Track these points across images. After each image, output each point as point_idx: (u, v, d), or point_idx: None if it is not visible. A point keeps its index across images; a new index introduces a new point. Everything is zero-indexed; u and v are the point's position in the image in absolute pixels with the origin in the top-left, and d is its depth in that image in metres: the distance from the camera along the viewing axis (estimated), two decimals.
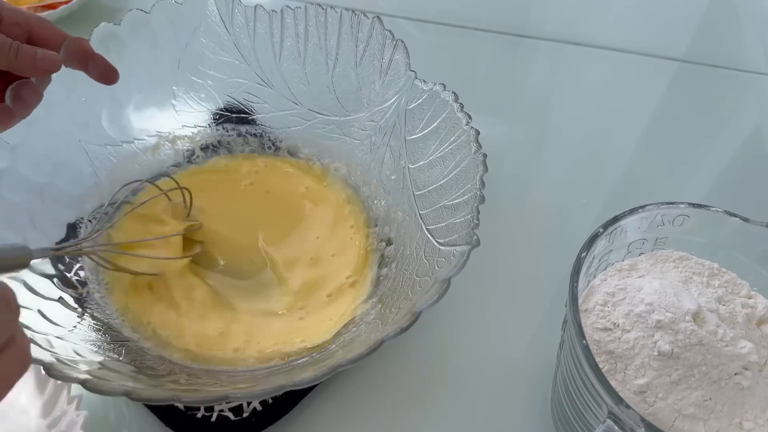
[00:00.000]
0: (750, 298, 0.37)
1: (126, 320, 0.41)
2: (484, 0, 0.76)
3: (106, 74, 0.38)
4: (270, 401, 0.39)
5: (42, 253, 0.34)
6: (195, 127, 0.52)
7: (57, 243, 0.42)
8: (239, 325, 0.42)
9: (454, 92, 0.45)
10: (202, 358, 0.40)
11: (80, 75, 0.46)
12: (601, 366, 0.33)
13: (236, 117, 0.53)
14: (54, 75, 0.44)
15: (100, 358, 0.36)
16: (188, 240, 0.46)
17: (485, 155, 0.41)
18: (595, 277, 0.38)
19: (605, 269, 0.38)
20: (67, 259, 0.42)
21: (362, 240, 0.47)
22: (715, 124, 0.64)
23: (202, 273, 0.45)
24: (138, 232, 0.45)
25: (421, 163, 0.46)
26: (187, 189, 0.47)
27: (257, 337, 0.42)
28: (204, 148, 0.52)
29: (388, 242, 0.46)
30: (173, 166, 0.51)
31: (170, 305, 0.43)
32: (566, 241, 0.42)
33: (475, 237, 0.37)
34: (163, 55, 0.50)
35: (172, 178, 0.47)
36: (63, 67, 0.37)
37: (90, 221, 0.46)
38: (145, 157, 0.50)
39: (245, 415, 0.39)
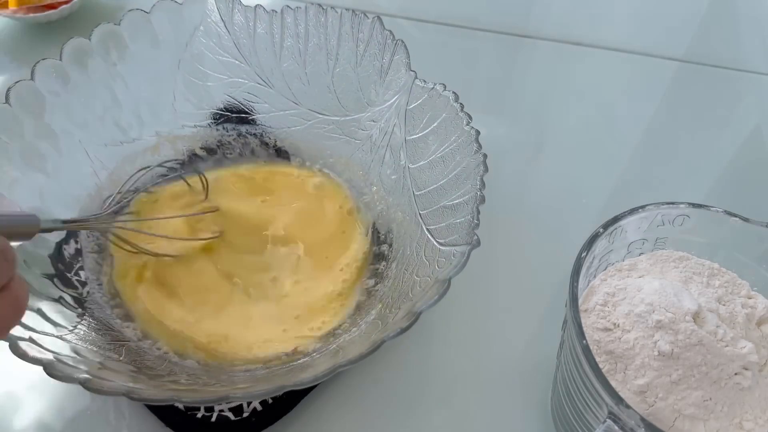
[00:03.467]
0: (750, 298, 0.37)
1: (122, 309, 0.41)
2: (485, 0, 0.76)
3: None
4: (270, 401, 0.39)
5: (52, 225, 0.34)
6: (195, 127, 0.52)
7: (58, 242, 0.42)
8: (242, 321, 0.43)
9: (454, 92, 0.45)
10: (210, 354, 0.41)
11: (80, 75, 0.46)
12: (601, 366, 0.33)
13: (236, 117, 0.53)
14: (54, 75, 0.45)
15: (100, 358, 0.35)
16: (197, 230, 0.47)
17: (485, 155, 0.41)
18: (595, 277, 0.38)
19: (605, 269, 0.38)
20: (68, 259, 0.42)
21: (362, 240, 0.47)
22: (715, 124, 0.64)
23: (210, 267, 0.45)
24: (154, 214, 0.46)
25: (422, 163, 0.46)
26: (203, 174, 0.48)
27: (259, 331, 0.42)
28: (204, 149, 0.52)
29: (389, 243, 0.47)
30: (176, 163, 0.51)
31: (172, 299, 0.43)
32: (566, 241, 0.42)
33: (476, 237, 0.37)
34: (163, 55, 0.50)
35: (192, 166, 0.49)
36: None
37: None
38: (145, 157, 0.50)
39: (245, 415, 0.39)
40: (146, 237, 0.44)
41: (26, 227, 0.31)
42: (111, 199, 0.43)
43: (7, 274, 0.26)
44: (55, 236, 0.43)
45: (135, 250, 0.42)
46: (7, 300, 0.26)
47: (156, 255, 0.43)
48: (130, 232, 0.43)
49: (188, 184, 0.48)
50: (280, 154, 0.53)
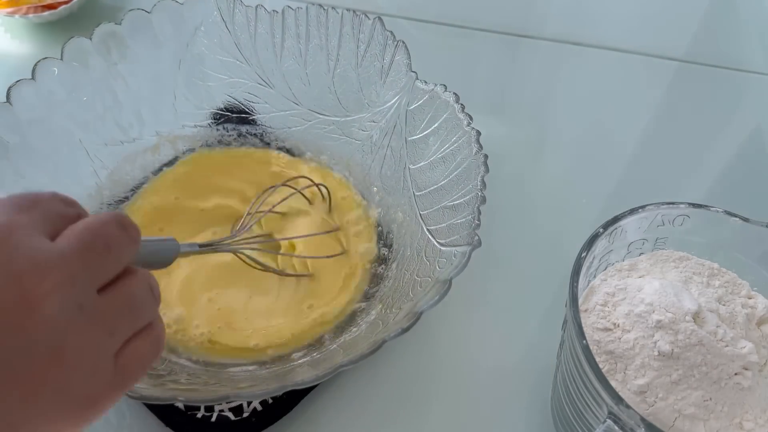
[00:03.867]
0: (750, 298, 0.37)
1: None
2: (485, 0, 0.76)
3: None
4: (270, 401, 0.39)
5: (189, 249, 0.32)
6: (195, 127, 0.52)
7: None
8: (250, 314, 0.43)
9: (455, 93, 0.45)
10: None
11: (81, 75, 0.46)
12: (601, 366, 0.33)
13: (236, 117, 0.53)
14: (54, 75, 0.45)
15: None
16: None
17: (486, 156, 0.41)
18: (595, 277, 0.38)
19: (605, 269, 0.38)
20: None
21: (362, 241, 0.47)
22: (715, 124, 0.64)
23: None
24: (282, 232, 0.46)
25: (422, 163, 0.46)
26: (324, 185, 0.48)
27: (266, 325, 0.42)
28: (204, 148, 0.52)
29: (389, 243, 0.47)
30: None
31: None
32: (566, 241, 0.42)
33: (476, 238, 0.37)
34: (164, 55, 0.50)
35: (307, 177, 0.48)
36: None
37: None
38: (145, 157, 0.50)
39: (245, 415, 0.39)
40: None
41: (166, 254, 0.29)
42: (242, 220, 0.43)
43: (153, 312, 0.26)
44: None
45: (263, 269, 0.43)
46: (149, 338, 0.25)
47: (282, 274, 0.44)
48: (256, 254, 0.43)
49: (307, 199, 0.48)
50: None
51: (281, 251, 0.46)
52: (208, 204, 0.48)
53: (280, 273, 0.44)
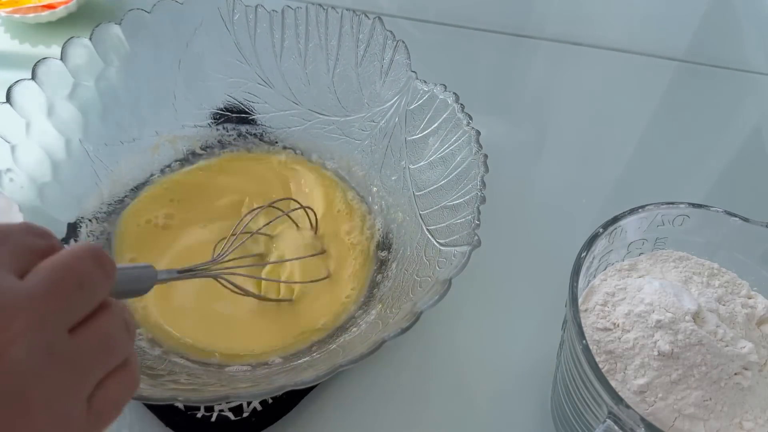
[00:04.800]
0: (750, 298, 0.37)
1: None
2: (485, 0, 0.76)
3: None
4: (270, 401, 0.39)
5: (167, 276, 0.31)
6: (195, 127, 0.52)
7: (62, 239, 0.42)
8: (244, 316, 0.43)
9: (454, 93, 0.45)
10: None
11: (81, 75, 0.46)
12: (601, 366, 0.33)
13: (236, 117, 0.53)
14: (54, 75, 0.45)
15: None
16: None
17: (486, 156, 0.41)
18: (595, 277, 0.38)
19: (605, 269, 0.38)
20: None
21: (362, 240, 0.47)
22: (715, 124, 0.64)
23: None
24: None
25: (422, 163, 0.46)
26: (311, 208, 0.47)
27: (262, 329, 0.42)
28: (204, 148, 0.52)
29: (389, 243, 0.47)
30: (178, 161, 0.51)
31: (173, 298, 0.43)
32: (566, 241, 0.42)
33: (476, 237, 0.37)
34: (164, 55, 0.50)
35: (294, 199, 0.47)
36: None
37: (90, 221, 0.46)
38: (145, 157, 0.50)
39: (245, 415, 0.39)
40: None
41: (143, 284, 0.28)
42: (224, 243, 0.41)
43: (128, 348, 0.24)
44: (55, 236, 0.43)
45: (244, 293, 0.41)
46: (123, 378, 0.24)
47: (264, 299, 0.43)
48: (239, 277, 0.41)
49: (294, 222, 0.47)
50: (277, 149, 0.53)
51: (263, 275, 0.44)
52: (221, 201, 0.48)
53: (261, 298, 0.43)
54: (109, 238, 0.46)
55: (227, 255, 0.40)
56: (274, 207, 0.46)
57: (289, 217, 0.46)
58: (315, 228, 0.47)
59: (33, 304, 0.21)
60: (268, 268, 0.45)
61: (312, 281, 0.44)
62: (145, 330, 0.41)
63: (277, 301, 0.43)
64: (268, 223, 0.45)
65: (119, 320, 0.24)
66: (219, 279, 0.38)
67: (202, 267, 0.36)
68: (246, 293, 0.41)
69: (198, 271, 0.36)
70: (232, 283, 0.39)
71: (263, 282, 0.44)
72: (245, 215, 0.45)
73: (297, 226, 0.47)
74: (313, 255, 0.45)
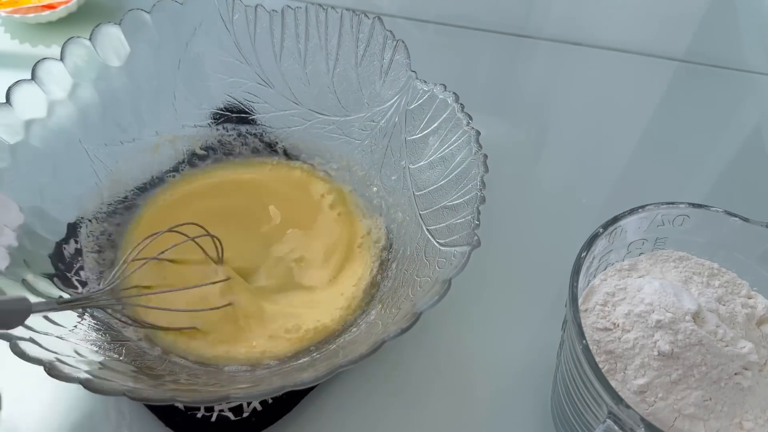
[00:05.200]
0: (750, 298, 0.37)
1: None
2: (485, 0, 0.76)
3: None
4: (270, 401, 0.39)
5: (45, 307, 0.30)
6: (195, 127, 0.52)
7: (58, 242, 0.42)
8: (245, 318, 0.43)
9: (454, 92, 0.45)
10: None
11: (81, 75, 0.46)
12: (601, 366, 0.33)
13: (236, 117, 0.53)
14: (54, 75, 0.45)
15: (100, 358, 0.36)
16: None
17: (486, 156, 0.41)
18: (595, 277, 0.38)
19: (605, 269, 0.38)
20: (68, 259, 0.42)
21: (361, 240, 0.47)
22: (715, 124, 0.64)
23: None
24: (158, 281, 0.42)
25: (422, 163, 0.46)
26: (216, 237, 0.43)
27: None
28: (204, 148, 0.52)
29: (389, 243, 0.46)
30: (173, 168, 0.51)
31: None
32: (566, 241, 0.42)
33: (476, 237, 0.37)
34: (164, 55, 0.50)
35: (198, 225, 0.43)
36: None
37: (90, 221, 0.46)
38: (145, 157, 0.50)
39: (245, 415, 0.39)
40: (153, 310, 0.40)
41: (11, 319, 0.27)
42: (115, 269, 0.38)
43: None
44: (55, 236, 0.43)
45: (141, 325, 0.39)
46: None
47: (162, 329, 0.40)
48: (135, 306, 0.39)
49: (201, 248, 0.43)
50: (285, 153, 0.53)
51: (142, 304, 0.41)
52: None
53: (156, 327, 0.40)
54: (111, 238, 0.46)
55: (114, 282, 0.37)
56: (176, 232, 0.42)
57: (195, 242, 0.43)
58: (221, 257, 0.44)
59: None
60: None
61: (211, 309, 0.41)
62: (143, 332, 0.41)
63: (177, 330, 0.41)
64: (165, 250, 0.42)
65: None
66: (107, 309, 0.36)
67: (86, 296, 0.34)
68: (144, 325, 0.39)
69: (81, 301, 0.34)
70: (126, 315, 0.37)
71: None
72: (142, 240, 0.42)
73: (205, 253, 0.44)
74: (218, 282, 0.43)
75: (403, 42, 0.48)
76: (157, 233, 0.42)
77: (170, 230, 0.42)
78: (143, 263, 0.41)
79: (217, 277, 0.43)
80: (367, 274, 0.45)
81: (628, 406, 0.29)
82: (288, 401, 0.40)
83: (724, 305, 0.35)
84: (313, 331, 0.42)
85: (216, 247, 0.44)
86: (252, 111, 0.53)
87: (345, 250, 0.47)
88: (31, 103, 0.43)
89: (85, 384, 0.30)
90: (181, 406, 0.39)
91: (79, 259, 0.43)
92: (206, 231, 0.43)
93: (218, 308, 0.42)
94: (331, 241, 0.48)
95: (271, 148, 0.53)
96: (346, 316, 0.43)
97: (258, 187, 0.51)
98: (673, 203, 0.37)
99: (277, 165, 0.52)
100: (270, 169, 0.52)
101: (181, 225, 0.42)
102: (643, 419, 0.29)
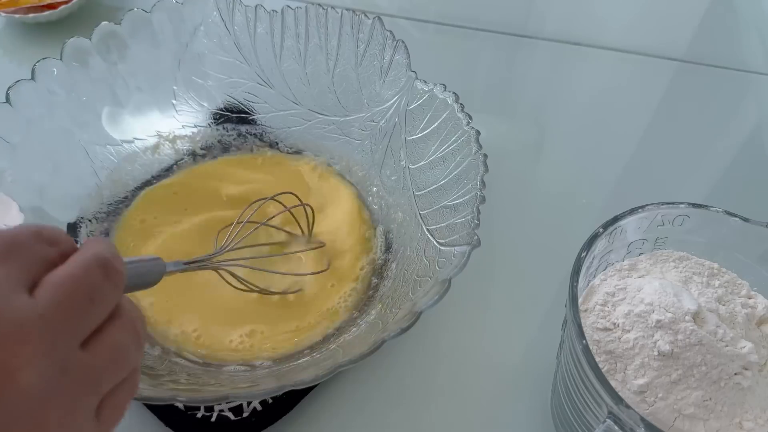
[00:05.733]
0: (750, 298, 0.37)
1: None
2: (485, 0, 0.76)
3: None
4: (270, 401, 0.39)
5: (174, 267, 0.31)
6: (195, 127, 0.52)
7: None
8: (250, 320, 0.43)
9: (454, 92, 0.45)
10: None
11: (80, 75, 0.46)
12: (601, 366, 0.33)
13: (236, 117, 0.53)
14: (54, 75, 0.45)
15: None
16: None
17: (486, 156, 0.41)
18: (595, 277, 0.38)
19: (605, 269, 0.38)
20: None
21: (362, 240, 0.47)
22: (715, 124, 0.64)
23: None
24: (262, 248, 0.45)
25: (422, 163, 0.46)
26: (309, 205, 0.45)
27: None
28: (204, 148, 0.52)
29: (389, 243, 0.46)
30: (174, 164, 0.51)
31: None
32: (566, 241, 0.42)
33: (476, 237, 0.37)
34: (164, 55, 0.50)
35: (293, 194, 0.45)
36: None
37: (90, 221, 0.46)
38: (145, 156, 0.50)
39: (245, 415, 0.39)
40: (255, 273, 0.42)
41: (151, 277, 0.28)
42: (229, 234, 0.41)
43: (138, 360, 0.24)
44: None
45: (247, 288, 0.41)
46: (129, 383, 0.24)
47: (267, 293, 0.43)
48: (242, 269, 0.41)
49: (294, 218, 0.46)
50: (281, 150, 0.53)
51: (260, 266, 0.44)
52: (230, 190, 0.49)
53: (264, 292, 0.42)
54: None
55: (231, 245, 0.40)
56: (276, 200, 0.45)
57: (290, 212, 0.46)
58: (311, 225, 0.46)
59: (45, 323, 0.20)
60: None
61: (313, 273, 0.44)
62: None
63: (281, 294, 0.43)
64: (272, 217, 0.45)
65: (130, 328, 0.24)
66: (219, 271, 0.39)
67: (206, 258, 0.37)
68: (249, 288, 0.41)
69: (204, 262, 0.36)
70: (236, 277, 0.39)
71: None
72: (249, 205, 0.44)
73: (297, 222, 0.46)
74: (314, 248, 0.45)
75: (403, 42, 0.48)
76: (264, 199, 0.45)
77: (273, 198, 0.44)
78: (255, 227, 0.43)
79: (316, 244, 0.46)
80: (366, 274, 0.46)
81: (628, 406, 0.29)
82: (288, 401, 0.40)
83: (724, 305, 0.35)
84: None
85: (307, 215, 0.46)
86: (252, 111, 0.53)
87: (344, 248, 0.47)
88: (31, 103, 0.43)
89: None
90: (180, 406, 0.39)
91: None
92: (300, 201, 0.45)
93: (320, 272, 0.44)
94: (330, 239, 0.47)
95: (271, 148, 0.53)
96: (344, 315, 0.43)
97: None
98: (673, 203, 0.37)
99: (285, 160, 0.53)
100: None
101: (280, 194, 0.45)
102: (643, 419, 0.29)
